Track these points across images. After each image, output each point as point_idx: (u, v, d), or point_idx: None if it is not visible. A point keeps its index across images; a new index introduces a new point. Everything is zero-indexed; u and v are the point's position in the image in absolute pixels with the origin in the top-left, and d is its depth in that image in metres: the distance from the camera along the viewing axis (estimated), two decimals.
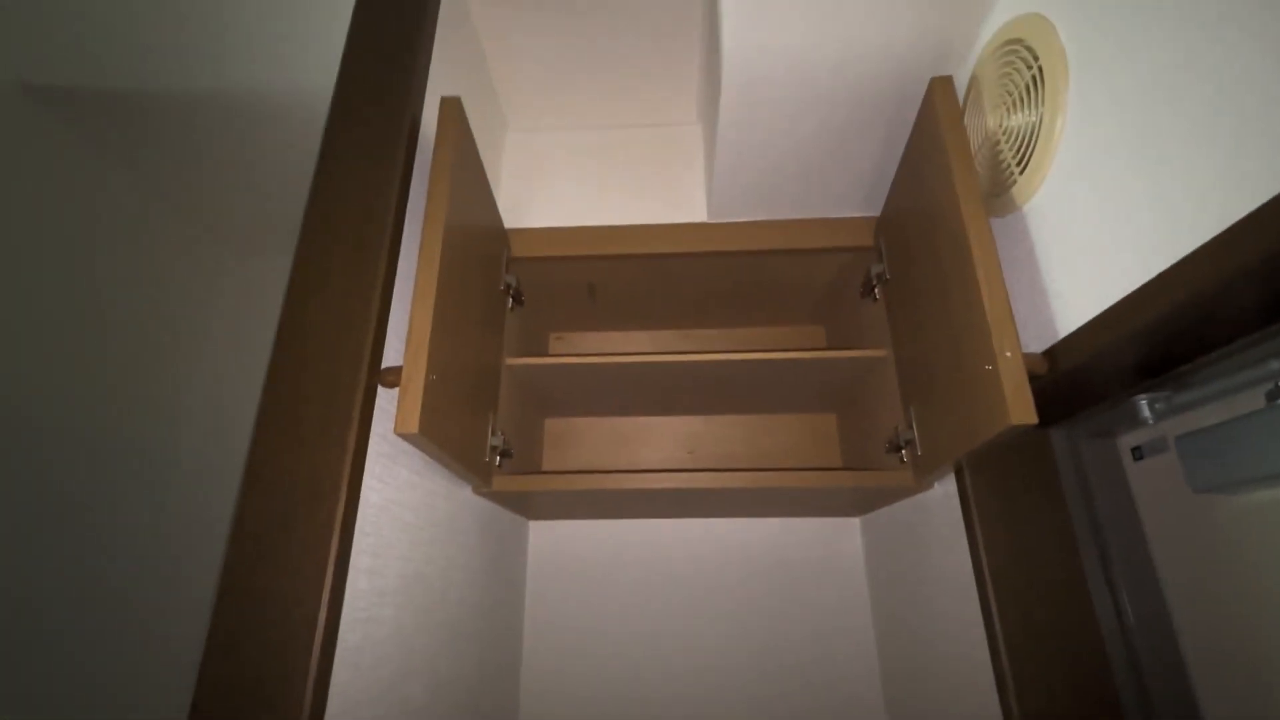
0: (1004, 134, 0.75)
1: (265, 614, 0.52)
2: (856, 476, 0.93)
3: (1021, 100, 0.71)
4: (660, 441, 1.33)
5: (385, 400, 0.67)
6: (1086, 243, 0.63)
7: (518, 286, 1.06)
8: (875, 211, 1.07)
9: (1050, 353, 0.67)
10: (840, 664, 1.20)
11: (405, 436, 0.61)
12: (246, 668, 0.50)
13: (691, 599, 1.25)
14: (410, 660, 0.72)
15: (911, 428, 0.88)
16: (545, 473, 1.25)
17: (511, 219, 1.12)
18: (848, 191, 1.05)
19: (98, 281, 1.34)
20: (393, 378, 0.64)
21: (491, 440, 0.90)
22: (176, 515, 1.50)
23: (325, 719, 0.52)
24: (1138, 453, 0.77)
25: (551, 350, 1.41)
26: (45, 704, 1.19)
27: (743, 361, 1.00)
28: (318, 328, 0.64)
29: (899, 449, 0.92)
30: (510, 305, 1.06)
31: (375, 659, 0.64)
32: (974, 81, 0.82)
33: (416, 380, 0.61)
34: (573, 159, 1.19)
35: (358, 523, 0.61)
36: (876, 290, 1.01)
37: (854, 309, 1.17)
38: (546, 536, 1.30)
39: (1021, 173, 0.70)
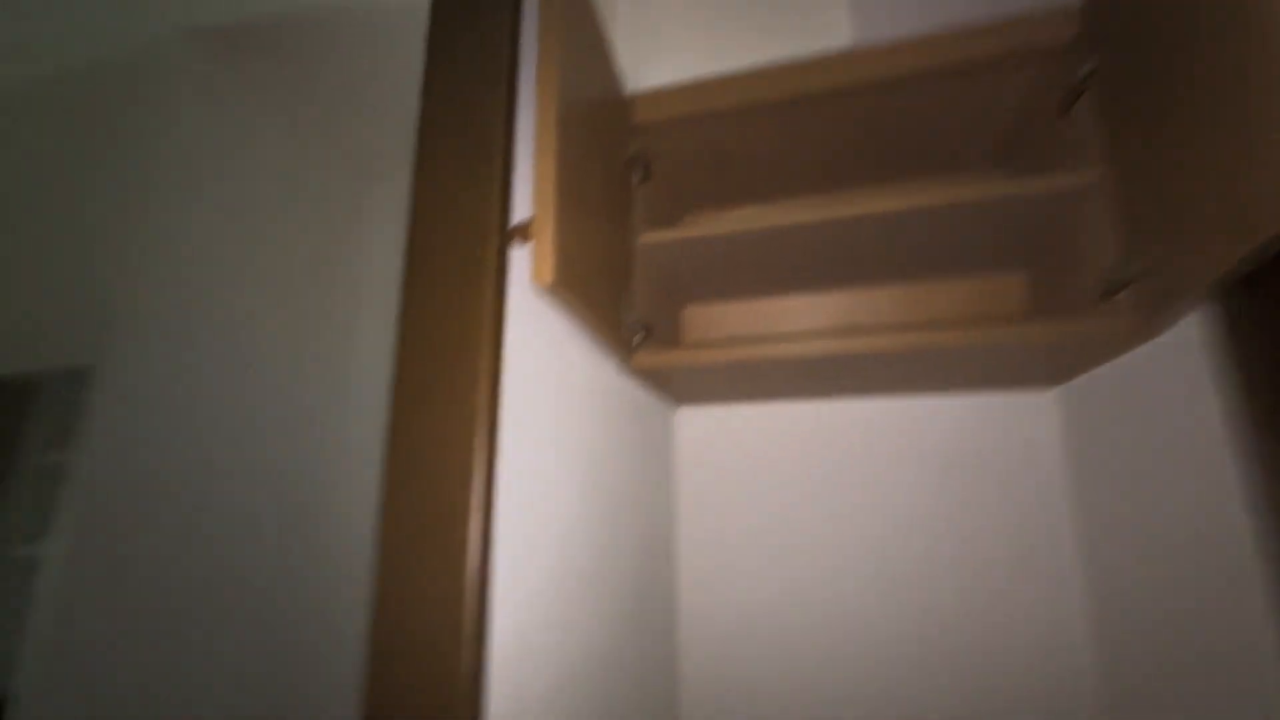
0: None
1: (426, 462, 0.52)
2: (1057, 328, 0.77)
3: None
4: (812, 322, 1.22)
5: (520, 282, 0.65)
6: None
7: (645, 157, 0.99)
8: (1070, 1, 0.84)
9: None
10: (1031, 565, 1.04)
11: (543, 289, 0.58)
12: (419, 512, 0.52)
13: (855, 489, 1.15)
14: (572, 525, 0.73)
15: (1137, 258, 0.71)
16: (693, 346, 1.17)
17: (629, 82, 1.04)
18: None
19: (267, 222, 1.48)
20: (524, 232, 0.61)
21: (631, 316, 0.87)
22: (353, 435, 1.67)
23: (496, 556, 0.53)
24: None
25: None
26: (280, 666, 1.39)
27: (907, 212, 0.86)
28: (444, 199, 0.62)
29: (1116, 291, 0.75)
30: (638, 180, 0.99)
31: (538, 515, 0.64)
32: None
33: (547, 226, 0.57)
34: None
35: (504, 392, 0.59)
36: (1082, 100, 0.81)
37: (1043, 138, 0.96)
38: (696, 424, 1.27)
39: None
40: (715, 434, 1.25)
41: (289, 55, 1.29)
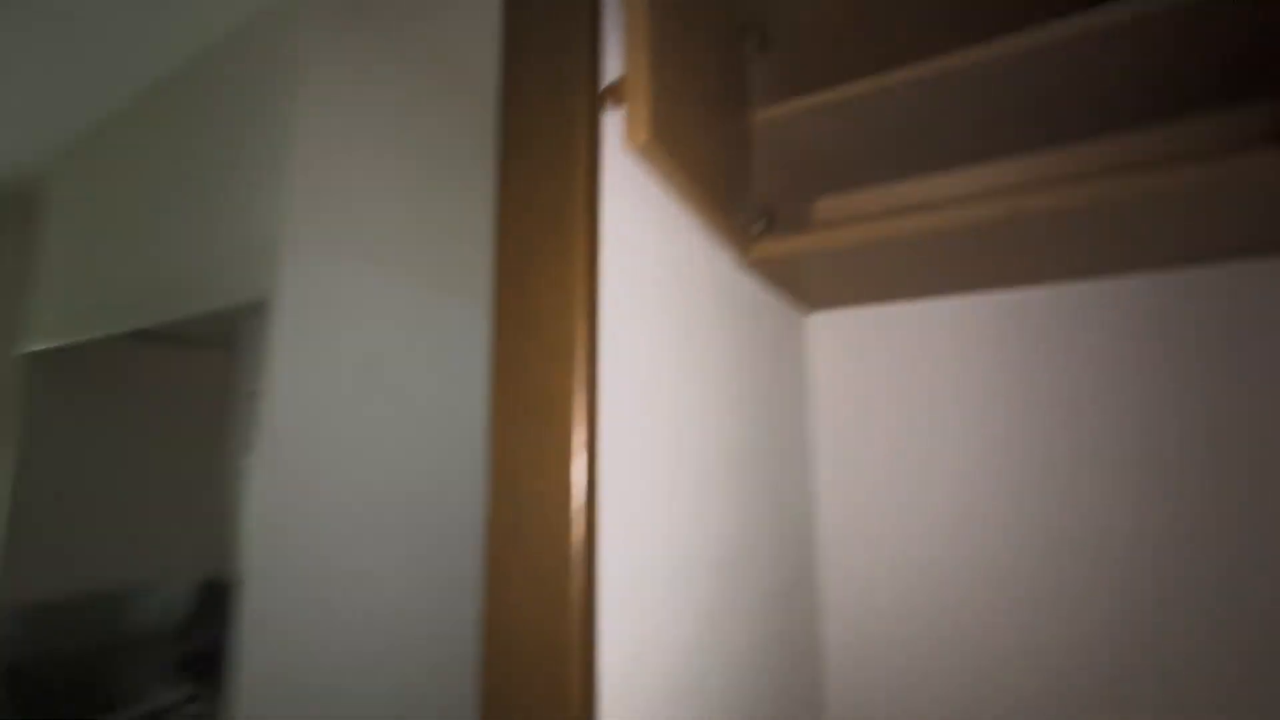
0: None
1: (528, 345, 0.50)
2: None
3: None
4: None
5: (621, 164, 0.59)
6: None
7: (759, 21, 0.87)
8: None
9: None
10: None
11: (637, 150, 0.51)
12: (525, 394, 0.50)
13: (1027, 404, 0.96)
14: (701, 421, 0.69)
15: None
16: (828, 226, 0.86)
17: None
18: None
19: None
20: (617, 93, 0.55)
21: (750, 200, 0.78)
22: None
23: (602, 466, 0.50)
24: None
25: None
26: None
27: (1098, 31, 0.66)
28: (532, 62, 0.57)
29: None
30: (752, 48, 0.87)
31: (648, 398, 0.60)
32: None
33: (639, 80, 0.50)
34: None
35: (603, 276, 0.54)
36: None
37: None
38: (831, 331, 1.14)
39: None
40: (856, 343, 1.11)
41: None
